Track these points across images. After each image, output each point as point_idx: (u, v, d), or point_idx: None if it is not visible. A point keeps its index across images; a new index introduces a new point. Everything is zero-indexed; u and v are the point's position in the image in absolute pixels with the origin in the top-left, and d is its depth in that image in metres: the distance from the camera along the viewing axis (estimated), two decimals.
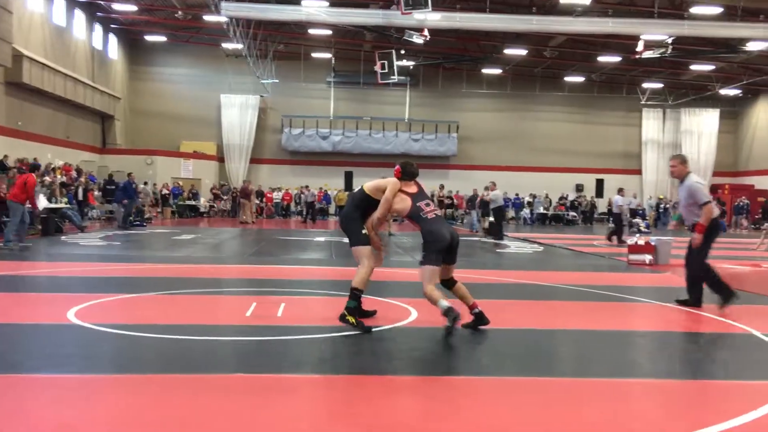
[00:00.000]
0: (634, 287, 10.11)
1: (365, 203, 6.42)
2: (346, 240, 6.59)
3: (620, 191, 19.89)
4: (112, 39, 33.53)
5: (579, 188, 37.71)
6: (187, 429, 3.63)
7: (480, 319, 6.27)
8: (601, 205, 35.43)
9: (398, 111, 36.82)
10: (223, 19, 25.42)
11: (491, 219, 20.94)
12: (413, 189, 6.38)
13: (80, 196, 22.51)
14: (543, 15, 25.82)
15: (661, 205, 35.21)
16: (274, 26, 30.75)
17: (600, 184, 36.58)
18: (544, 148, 37.48)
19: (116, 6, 29.81)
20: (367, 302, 6.78)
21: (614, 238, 19.29)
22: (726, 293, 7.67)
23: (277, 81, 34.50)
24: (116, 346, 5.51)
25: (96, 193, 25.54)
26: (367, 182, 6.56)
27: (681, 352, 5.99)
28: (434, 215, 6.23)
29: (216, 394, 4.23)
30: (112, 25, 32.95)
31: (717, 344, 6.36)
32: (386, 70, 28.88)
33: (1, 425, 3.55)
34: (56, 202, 18.90)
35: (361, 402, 4.21)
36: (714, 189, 37.83)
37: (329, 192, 35.10)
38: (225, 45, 31.97)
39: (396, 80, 30.65)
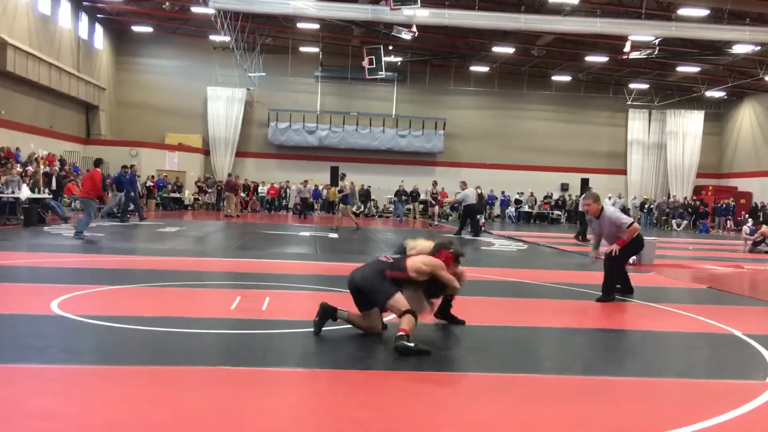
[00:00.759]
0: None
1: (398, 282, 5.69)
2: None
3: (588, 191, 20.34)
4: (98, 29, 33.19)
5: (564, 187, 37.87)
6: (171, 420, 3.61)
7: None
8: None
9: (385, 107, 36.79)
10: (210, 10, 25.25)
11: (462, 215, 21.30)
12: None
13: (53, 185, 22.12)
14: (531, 14, 25.87)
15: (646, 205, 35.47)
16: (262, 19, 30.57)
17: (585, 183, 36.75)
18: (530, 146, 37.60)
19: None
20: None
21: (581, 237, 19.72)
22: (609, 296, 8.35)
23: (264, 74, 34.32)
24: (100, 337, 5.48)
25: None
26: (413, 257, 5.90)
27: (663, 352, 6.04)
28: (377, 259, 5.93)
29: (200, 387, 4.22)
30: (99, 15, 32.60)
31: (699, 344, 6.42)
32: (374, 66, 28.84)
33: None
34: (39, 192, 18.73)
35: (345, 396, 4.22)
36: (698, 190, 38.21)
37: (318, 187, 34.89)
38: (212, 37, 31.74)
39: (383, 76, 30.54)
